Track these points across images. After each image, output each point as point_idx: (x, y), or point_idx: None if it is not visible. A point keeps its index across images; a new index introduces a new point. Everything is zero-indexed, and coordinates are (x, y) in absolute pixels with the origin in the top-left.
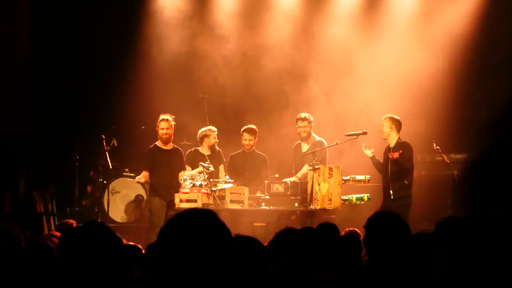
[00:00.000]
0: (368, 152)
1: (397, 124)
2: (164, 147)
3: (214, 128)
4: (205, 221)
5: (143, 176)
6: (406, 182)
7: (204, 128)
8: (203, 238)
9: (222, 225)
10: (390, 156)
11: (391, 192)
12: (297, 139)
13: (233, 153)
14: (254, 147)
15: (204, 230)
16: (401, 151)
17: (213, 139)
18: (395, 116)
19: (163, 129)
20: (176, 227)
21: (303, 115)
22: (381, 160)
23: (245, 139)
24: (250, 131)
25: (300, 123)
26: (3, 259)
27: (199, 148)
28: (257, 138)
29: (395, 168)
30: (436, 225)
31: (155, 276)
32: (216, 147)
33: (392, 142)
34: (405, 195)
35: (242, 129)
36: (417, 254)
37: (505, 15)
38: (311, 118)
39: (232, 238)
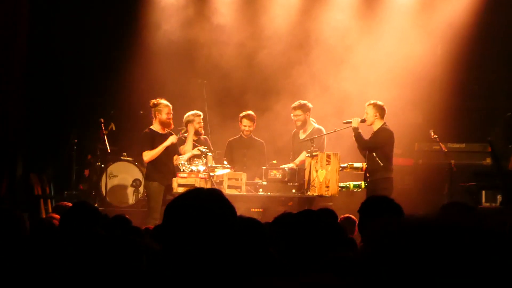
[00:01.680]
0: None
1: (381, 111)
2: (160, 132)
3: (199, 113)
4: (212, 199)
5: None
6: (381, 164)
7: (188, 113)
8: (210, 216)
9: (229, 204)
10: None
11: (368, 174)
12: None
13: (230, 139)
14: (252, 133)
15: (211, 209)
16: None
17: (197, 124)
18: (379, 102)
19: (169, 113)
20: (182, 206)
21: (296, 103)
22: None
23: (245, 125)
24: (249, 117)
25: (294, 112)
26: (9, 239)
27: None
28: (255, 124)
29: (371, 150)
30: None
31: (163, 254)
32: (202, 133)
33: (376, 128)
34: (380, 177)
35: (241, 115)
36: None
37: (505, 6)
38: (309, 105)
39: (237, 218)
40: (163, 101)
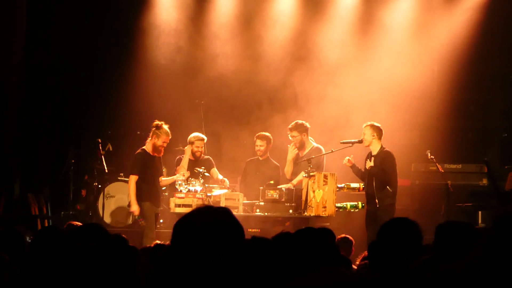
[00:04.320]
0: (345, 161)
1: (379, 132)
2: (151, 153)
3: (201, 136)
4: (220, 218)
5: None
6: (390, 190)
7: (193, 134)
8: (219, 235)
9: (237, 223)
10: (366, 165)
11: (377, 201)
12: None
13: (248, 159)
14: (268, 154)
15: (219, 227)
16: (373, 163)
17: (195, 147)
18: (376, 124)
19: (164, 142)
20: (191, 224)
21: (292, 124)
22: (362, 167)
23: (257, 145)
24: (261, 137)
25: (291, 133)
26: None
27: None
28: (270, 145)
29: (379, 176)
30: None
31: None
32: (201, 157)
33: (375, 150)
34: (390, 203)
35: (255, 135)
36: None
37: (500, 28)
38: (307, 125)
39: (245, 238)
40: (166, 128)
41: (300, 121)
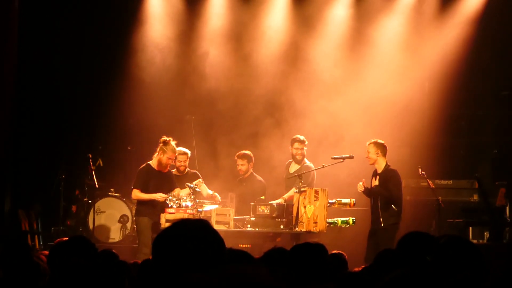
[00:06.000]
0: (359, 188)
1: (383, 149)
2: (156, 168)
3: (182, 150)
4: (199, 230)
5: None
6: (395, 209)
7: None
8: (198, 247)
9: (216, 235)
10: (372, 183)
11: (381, 220)
12: (284, 161)
13: (239, 177)
14: (251, 171)
15: (198, 240)
16: (378, 182)
17: (178, 162)
18: (380, 141)
19: (170, 159)
20: (170, 237)
21: (301, 137)
22: (369, 186)
23: (238, 165)
24: (241, 156)
25: (297, 145)
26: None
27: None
28: (252, 163)
29: (383, 195)
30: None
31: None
32: (184, 172)
33: (380, 167)
34: (395, 222)
35: (236, 155)
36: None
37: (491, 45)
38: (306, 142)
39: (226, 248)
40: (173, 145)
41: (303, 137)
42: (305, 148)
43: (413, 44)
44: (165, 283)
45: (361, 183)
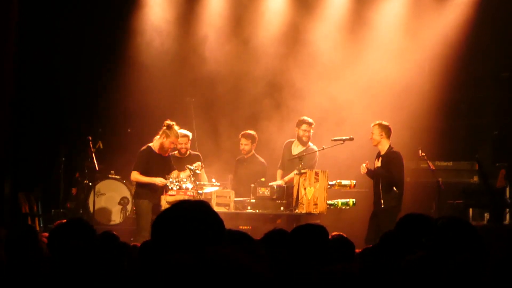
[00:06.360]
0: (363, 169)
1: (387, 131)
2: (157, 151)
3: (184, 133)
4: (199, 211)
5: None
6: (397, 191)
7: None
8: (197, 228)
9: (216, 216)
10: (375, 164)
11: (382, 201)
12: (283, 141)
13: (237, 158)
14: (253, 152)
15: (198, 221)
16: (380, 164)
17: (179, 144)
18: (384, 122)
19: (172, 143)
20: (170, 218)
21: (310, 119)
22: (372, 167)
23: (241, 144)
24: (245, 135)
25: (305, 127)
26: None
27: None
28: (255, 144)
29: (385, 177)
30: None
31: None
32: (186, 154)
33: (383, 149)
34: (395, 205)
35: (240, 134)
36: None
37: (491, 26)
38: (313, 124)
39: (225, 229)
40: (176, 129)
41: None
42: (312, 131)
43: (413, 26)
44: (155, 263)
45: (364, 164)
